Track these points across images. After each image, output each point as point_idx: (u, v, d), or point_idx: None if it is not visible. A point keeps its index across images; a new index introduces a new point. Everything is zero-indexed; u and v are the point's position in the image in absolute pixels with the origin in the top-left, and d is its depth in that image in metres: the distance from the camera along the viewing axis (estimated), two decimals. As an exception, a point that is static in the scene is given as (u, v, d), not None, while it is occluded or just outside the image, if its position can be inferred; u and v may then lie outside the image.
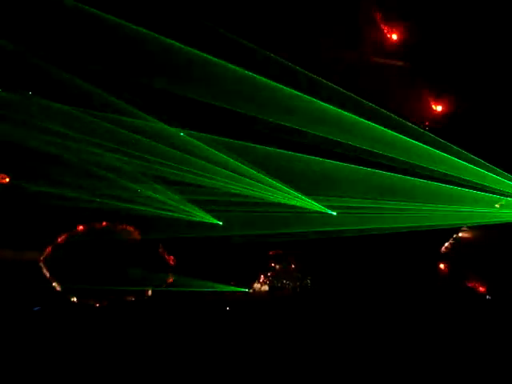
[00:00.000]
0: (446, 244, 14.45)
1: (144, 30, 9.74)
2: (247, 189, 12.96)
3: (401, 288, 13.98)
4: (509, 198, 12.93)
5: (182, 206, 13.36)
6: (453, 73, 12.58)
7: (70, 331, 12.85)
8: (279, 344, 13.23)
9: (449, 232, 14.28)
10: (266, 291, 14.58)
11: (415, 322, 13.36)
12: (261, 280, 14.62)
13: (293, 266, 14.83)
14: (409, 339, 12.99)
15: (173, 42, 9.73)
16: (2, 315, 12.50)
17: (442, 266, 14.45)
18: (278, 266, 14.72)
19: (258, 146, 11.42)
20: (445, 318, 13.47)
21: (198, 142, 11.35)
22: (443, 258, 14.46)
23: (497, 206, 12.98)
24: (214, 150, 11.45)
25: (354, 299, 14.03)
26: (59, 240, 13.60)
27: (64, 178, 12.42)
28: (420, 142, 11.87)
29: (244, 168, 12.33)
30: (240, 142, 11.25)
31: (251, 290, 14.46)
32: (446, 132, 12.80)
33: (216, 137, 10.97)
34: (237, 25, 10.58)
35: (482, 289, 14.03)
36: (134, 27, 9.73)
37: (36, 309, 13.06)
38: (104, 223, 13.83)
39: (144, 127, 10.96)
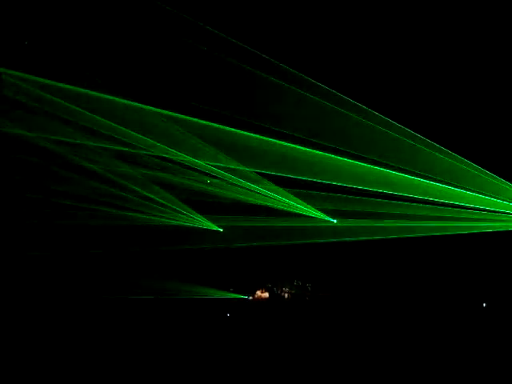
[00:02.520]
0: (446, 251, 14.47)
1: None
2: (247, 195, 12.98)
3: (401, 295, 13.99)
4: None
5: (182, 211, 13.37)
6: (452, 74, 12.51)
7: (71, 338, 12.79)
8: (279, 351, 13.18)
9: (449, 239, 14.28)
10: (265, 298, 14.56)
11: (416, 327, 13.35)
12: (261, 287, 14.60)
13: (292, 273, 14.84)
14: (410, 345, 12.96)
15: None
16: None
17: (440, 272, 14.47)
18: (277, 273, 14.72)
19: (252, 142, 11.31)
20: (444, 324, 13.48)
21: (201, 144, 11.32)
22: (442, 264, 14.47)
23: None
24: (213, 151, 11.41)
25: (355, 306, 14.02)
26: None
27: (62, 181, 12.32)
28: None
29: (242, 173, 12.31)
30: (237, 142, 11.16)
31: (251, 297, 14.44)
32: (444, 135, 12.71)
33: (212, 126, 10.85)
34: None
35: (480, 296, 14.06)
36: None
37: None
38: None
39: (146, 128, 10.91)
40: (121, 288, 13.54)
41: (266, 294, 14.66)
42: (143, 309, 13.74)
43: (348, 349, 13.03)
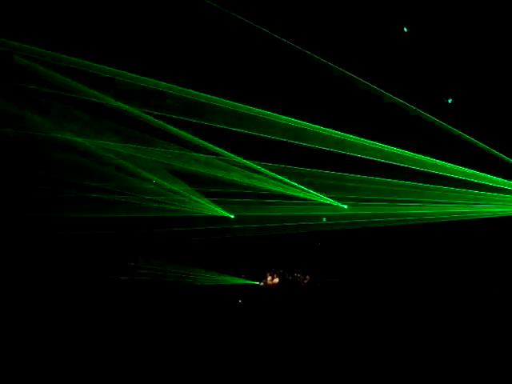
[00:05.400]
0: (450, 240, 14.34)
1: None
2: (256, 181, 12.94)
3: (412, 281, 13.93)
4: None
5: (194, 198, 13.38)
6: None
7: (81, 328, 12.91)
8: (290, 337, 13.23)
9: (452, 227, 14.10)
10: (276, 284, 14.60)
11: (427, 314, 13.31)
12: (272, 273, 14.63)
13: (303, 259, 14.82)
14: (424, 333, 12.93)
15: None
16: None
17: (445, 262, 14.35)
18: (288, 259, 14.72)
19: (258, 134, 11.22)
20: (456, 311, 13.42)
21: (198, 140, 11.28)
22: (447, 254, 14.36)
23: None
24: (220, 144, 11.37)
25: (367, 293, 14.00)
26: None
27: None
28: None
29: (251, 160, 12.23)
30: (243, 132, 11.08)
31: (262, 283, 14.49)
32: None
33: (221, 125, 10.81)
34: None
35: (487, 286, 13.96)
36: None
37: None
38: None
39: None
40: (129, 274, 13.64)
41: (278, 280, 14.70)
42: (153, 295, 13.85)
43: (360, 336, 13.05)
